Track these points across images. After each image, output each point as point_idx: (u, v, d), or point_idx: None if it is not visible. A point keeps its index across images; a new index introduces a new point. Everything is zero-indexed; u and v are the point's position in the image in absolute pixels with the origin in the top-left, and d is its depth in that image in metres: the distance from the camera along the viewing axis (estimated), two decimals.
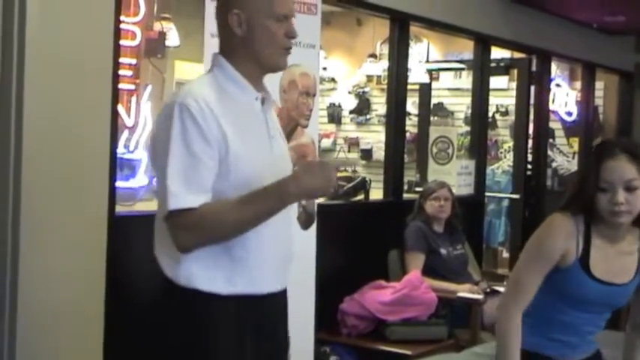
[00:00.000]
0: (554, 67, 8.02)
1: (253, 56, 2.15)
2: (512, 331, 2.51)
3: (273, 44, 2.15)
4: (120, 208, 3.76)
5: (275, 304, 2.21)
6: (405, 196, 5.68)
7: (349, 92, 9.05)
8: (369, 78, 8.86)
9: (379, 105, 8.65)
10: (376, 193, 5.77)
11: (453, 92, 8.66)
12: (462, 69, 8.30)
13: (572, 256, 2.52)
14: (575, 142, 8.83)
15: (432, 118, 8.14)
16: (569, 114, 8.90)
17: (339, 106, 9.08)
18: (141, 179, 4.75)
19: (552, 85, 8.09)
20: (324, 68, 8.31)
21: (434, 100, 8.35)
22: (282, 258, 2.20)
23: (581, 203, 2.51)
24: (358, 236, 5.08)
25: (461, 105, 8.46)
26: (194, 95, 2.05)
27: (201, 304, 2.05)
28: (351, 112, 9.03)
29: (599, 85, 8.80)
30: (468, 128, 7.23)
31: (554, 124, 8.70)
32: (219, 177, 2.04)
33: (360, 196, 5.59)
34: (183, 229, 2.00)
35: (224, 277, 2.07)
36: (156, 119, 2.13)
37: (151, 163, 2.15)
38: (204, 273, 2.05)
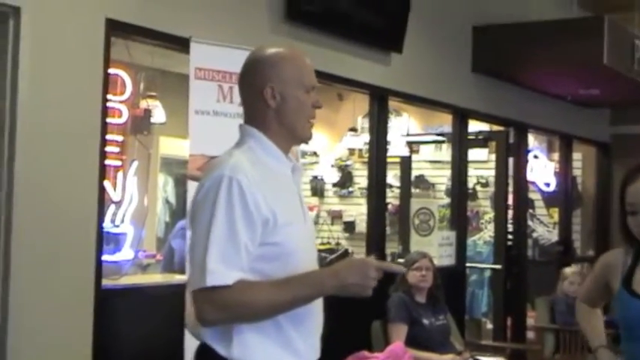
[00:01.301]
0: (531, 138, 8.17)
1: (286, 127, 2.21)
2: (580, 316, 2.84)
3: (302, 114, 2.24)
4: (106, 282, 3.80)
5: None
6: None
7: (332, 165, 9.15)
8: (351, 151, 8.99)
9: (361, 178, 8.73)
10: None
11: (434, 164, 8.76)
12: (442, 142, 8.41)
13: (617, 280, 2.58)
14: (555, 213, 8.93)
15: (413, 190, 8.24)
16: (548, 185, 9.02)
17: (322, 179, 9.17)
18: (126, 253, 4.81)
19: (530, 157, 8.24)
20: None
21: (415, 173, 8.45)
22: (319, 327, 2.23)
23: (622, 233, 2.58)
24: (341, 306, 5.09)
25: (442, 177, 8.56)
26: (244, 171, 2.04)
27: None
28: (333, 185, 9.12)
29: (576, 155, 8.97)
30: (449, 200, 7.33)
31: (534, 195, 8.82)
32: (268, 248, 2.04)
33: None
34: (212, 305, 1.97)
35: (276, 350, 2.07)
36: (197, 188, 2.10)
37: (189, 231, 2.14)
38: (258, 346, 2.04)
